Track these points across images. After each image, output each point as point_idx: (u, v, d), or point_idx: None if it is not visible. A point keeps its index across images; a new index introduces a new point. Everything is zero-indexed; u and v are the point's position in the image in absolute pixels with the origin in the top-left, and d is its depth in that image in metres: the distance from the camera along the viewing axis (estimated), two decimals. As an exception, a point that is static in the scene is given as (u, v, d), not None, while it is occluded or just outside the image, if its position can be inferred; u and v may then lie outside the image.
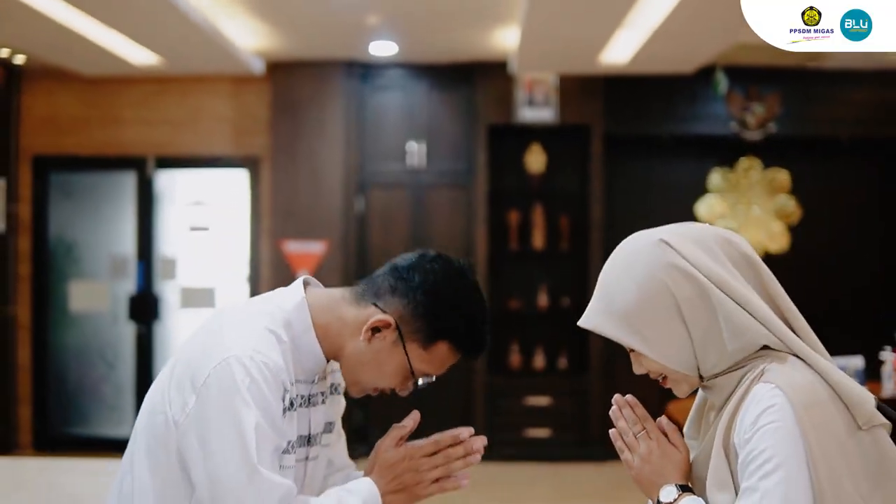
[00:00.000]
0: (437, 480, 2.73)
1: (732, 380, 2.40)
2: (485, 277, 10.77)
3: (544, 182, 11.18)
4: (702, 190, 11.25)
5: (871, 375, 7.70)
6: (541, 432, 10.84)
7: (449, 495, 6.98)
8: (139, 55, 9.67)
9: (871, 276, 11.33)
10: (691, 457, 2.53)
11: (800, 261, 11.11)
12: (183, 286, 11.22)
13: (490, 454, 9.54)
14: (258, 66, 10.46)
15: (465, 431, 2.78)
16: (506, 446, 10.64)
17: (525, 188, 11.22)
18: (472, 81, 10.99)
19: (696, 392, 2.57)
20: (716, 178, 11.24)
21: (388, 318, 2.61)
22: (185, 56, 9.75)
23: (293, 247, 10.58)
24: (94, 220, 11.19)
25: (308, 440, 2.71)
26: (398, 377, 2.70)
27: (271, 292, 2.73)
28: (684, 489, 2.45)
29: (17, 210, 10.69)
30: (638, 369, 2.51)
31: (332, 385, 2.85)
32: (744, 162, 11.22)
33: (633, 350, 2.48)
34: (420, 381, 2.75)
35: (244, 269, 10.96)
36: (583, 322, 2.49)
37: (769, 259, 10.89)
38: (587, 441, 10.59)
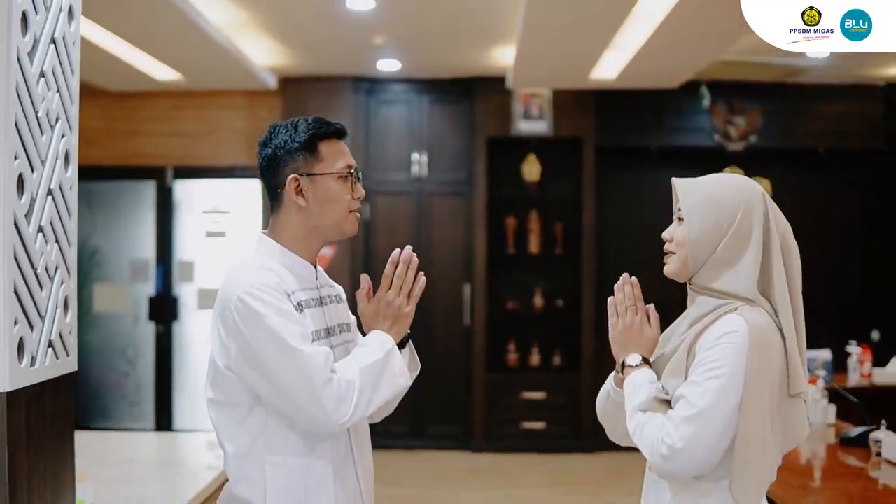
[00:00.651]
0: (408, 295, 3.24)
1: (711, 304, 2.99)
2: (484, 280, 11.28)
3: (540, 190, 11.60)
4: None
5: (838, 367, 8.29)
6: (536, 425, 11.26)
7: (456, 485, 7.80)
8: (163, 72, 10.23)
9: (849, 278, 11.77)
10: (658, 353, 3.11)
11: (779, 264, 11.54)
12: (200, 288, 11.62)
13: (489, 445, 10.19)
14: (271, 81, 11.00)
15: (395, 255, 3.26)
16: (504, 438, 11.18)
17: (522, 196, 11.63)
18: (472, 96, 11.43)
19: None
20: (701, 186, 11.69)
21: (288, 178, 3.20)
22: (205, 72, 10.28)
23: (303, 252, 10.85)
24: (116, 226, 11.58)
25: (328, 332, 3.25)
26: (341, 187, 3.23)
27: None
28: (646, 361, 3.07)
29: (44, 217, 11.18)
30: (670, 231, 3.11)
31: (334, 295, 3.41)
32: (727, 171, 11.59)
33: (681, 218, 3.05)
34: (352, 174, 3.26)
35: (257, 272, 11.37)
36: (679, 181, 3.11)
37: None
38: (579, 433, 11.04)
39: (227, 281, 3.11)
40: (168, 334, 11.68)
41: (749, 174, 11.42)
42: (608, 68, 9.89)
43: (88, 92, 10.96)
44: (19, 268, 2.85)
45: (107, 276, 11.55)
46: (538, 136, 11.44)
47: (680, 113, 11.55)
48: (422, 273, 3.30)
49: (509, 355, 11.61)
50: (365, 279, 3.28)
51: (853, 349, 8.26)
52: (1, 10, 2.76)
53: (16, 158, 2.82)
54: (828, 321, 11.18)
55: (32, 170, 2.94)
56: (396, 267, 3.25)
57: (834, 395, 6.69)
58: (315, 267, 3.33)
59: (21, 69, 2.86)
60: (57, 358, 3.12)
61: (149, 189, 11.73)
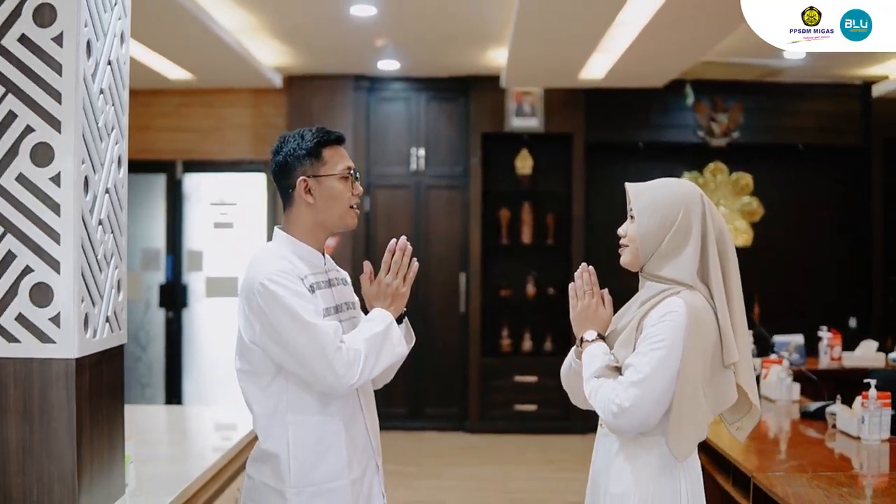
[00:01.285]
0: (404, 278, 3.78)
1: (657, 288, 3.50)
2: (479, 269, 11.71)
3: (532, 183, 12.01)
4: None
5: (811, 351, 8.74)
6: (528, 407, 11.68)
7: (452, 463, 8.33)
8: (175, 72, 10.71)
9: (828, 268, 12.20)
10: (612, 329, 3.63)
11: (762, 254, 12.02)
12: (208, 276, 12.02)
13: (483, 426, 10.65)
14: (277, 80, 11.45)
15: (392, 244, 3.78)
16: (497, 419, 11.64)
17: (515, 189, 12.04)
18: (468, 94, 11.84)
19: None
20: (686, 180, 12.09)
21: (298, 180, 3.69)
22: (214, 72, 10.75)
23: (307, 242, 11.15)
24: (128, 217, 11.71)
25: (336, 309, 3.75)
26: (343, 186, 3.74)
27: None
28: (600, 336, 3.60)
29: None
30: (623, 228, 3.61)
31: (341, 278, 3.92)
32: (711, 166, 12.11)
33: (633, 217, 3.56)
34: (352, 175, 3.76)
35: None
36: (631, 185, 3.63)
37: (735, 252, 11.90)
38: (570, 415, 11.38)
39: (250, 269, 3.63)
40: (178, 320, 12.04)
41: (732, 169, 11.94)
42: (596, 69, 10.31)
43: (103, 90, 11.36)
44: (85, 255, 3.43)
45: (119, 264, 11.88)
46: (530, 132, 11.84)
47: (666, 110, 11.93)
48: (415, 259, 3.82)
49: (503, 341, 11.99)
50: (367, 265, 3.82)
51: (824, 334, 8.64)
52: (71, 40, 3.33)
53: (82, 163, 3.39)
54: (808, 309, 11.70)
55: (94, 172, 3.52)
56: (394, 254, 3.78)
57: (800, 376, 7.19)
58: (323, 254, 3.83)
59: (86, 88, 3.43)
60: (112, 331, 3.70)
61: (159, 182, 12.08)
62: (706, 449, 5.82)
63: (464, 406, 11.88)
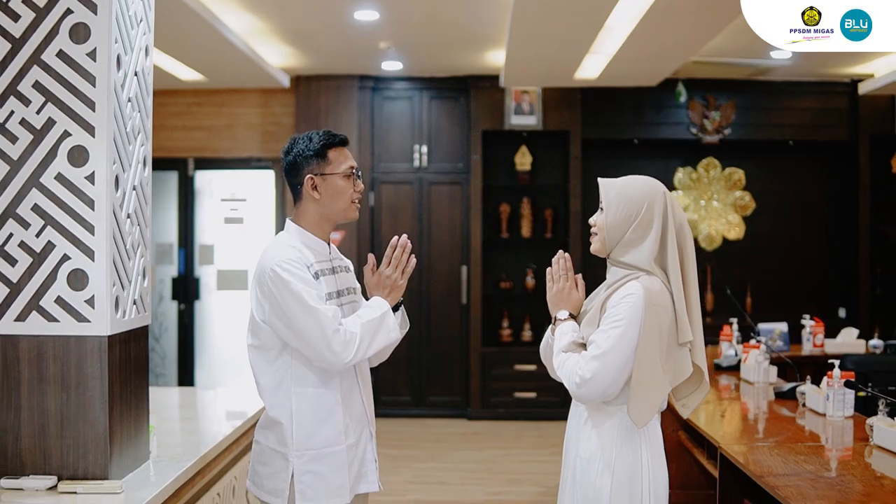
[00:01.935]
0: (402, 272, 4.20)
1: (621, 273, 3.86)
2: (479, 261, 12.03)
3: (531, 179, 12.31)
4: (668, 186, 12.15)
5: (795, 338, 9.08)
6: (528, 394, 11.99)
7: (454, 447, 8.70)
8: (186, 73, 11.09)
9: (817, 260, 12.54)
10: (582, 310, 4.01)
11: (754, 246, 12.44)
12: (219, 270, 12.35)
13: (484, 413, 10.97)
14: (284, 81, 11.80)
15: (394, 241, 4.20)
16: (498, 406, 11.98)
17: (514, 184, 12.34)
18: (468, 93, 12.16)
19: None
20: (680, 175, 12.53)
21: (306, 178, 4.10)
22: (225, 73, 11.10)
23: (314, 235, 11.33)
24: None
25: (339, 294, 4.16)
26: (346, 183, 4.14)
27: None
28: (572, 316, 3.99)
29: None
30: (594, 218, 3.97)
31: (344, 266, 4.33)
32: (704, 162, 12.47)
33: (602, 209, 3.90)
34: (354, 173, 4.16)
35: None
36: (602, 180, 3.98)
37: (728, 245, 12.26)
38: (567, 402, 11.19)
39: (263, 255, 4.05)
40: (190, 312, 12.37)
41: (724, 165, 12.24)
42: (590, 69, 10.67)
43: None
44: (115, 244, 3.88)
45: (133, 258, 12.15)
46: (529, 129, 12.14)
47: (660, 108, 12.22)
48: (413, 256, 4.24)
49: (503, 331, 12.29)
50: (371, 258, 4.24)
51: (807, 322, 8.93)
52: (103, 55, 3.78)
53: (113, 164, 3.84)
54: (798, 299, 12.02)
55: (123, 171, 3.96)
56: (395, 250, 4.20)
57: (777, 361, 7.56)
58: (329, 244, 4.23)
59: (116, 97, 3.87)
60: (138, 312, 4.15)
61: (172, 179, 12.40)
62: (686, 428, 6.24)
63: (465, 393, 12.18)
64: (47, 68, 3.79)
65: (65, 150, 3.79)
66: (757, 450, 5.01)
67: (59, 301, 3.81)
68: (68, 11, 3.78)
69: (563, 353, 3.88)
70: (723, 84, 12.15)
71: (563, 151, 12.28)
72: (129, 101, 4.03)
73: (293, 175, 4.15)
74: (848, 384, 5.67)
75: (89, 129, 3.79)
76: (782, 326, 8.87)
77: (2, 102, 3.78)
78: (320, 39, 10.18)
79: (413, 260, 4.23)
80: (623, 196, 3.89)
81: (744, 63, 11.17)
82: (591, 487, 3.85)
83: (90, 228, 3.80)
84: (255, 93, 12.31)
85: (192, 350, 12.44)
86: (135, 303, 4.11)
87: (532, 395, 11.99)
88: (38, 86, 3.78)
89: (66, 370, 3.82)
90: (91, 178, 3.80)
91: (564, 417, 3.73)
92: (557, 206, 12.36)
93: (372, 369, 4.42)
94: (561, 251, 4.19)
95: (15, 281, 3.80)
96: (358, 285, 4.41)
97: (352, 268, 4.44)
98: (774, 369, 7.30)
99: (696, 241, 12.34)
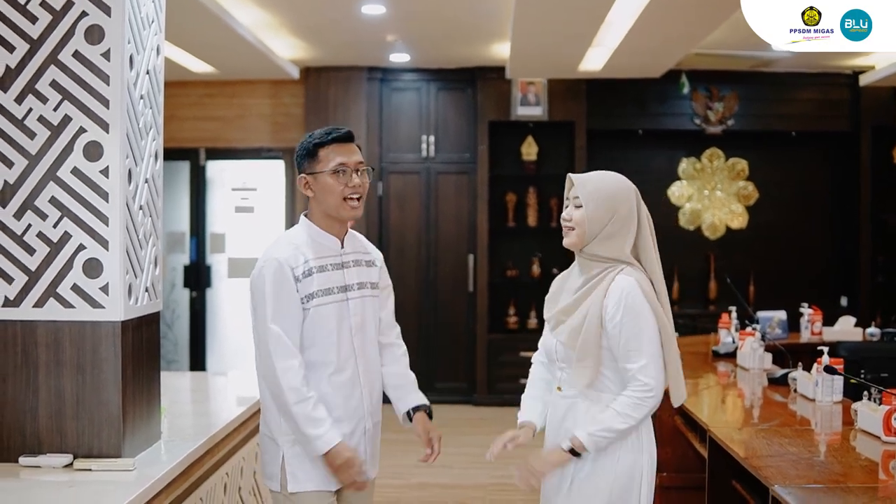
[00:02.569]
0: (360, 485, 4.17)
1: (599, 267, 3.91)
2: (486, 250, 12.17)
3: (537, 169, 12.45)
4: (673, 176, 12.64)
5: (794, 327, 9.22)
6: None
7: (461, 432, 8.70)
8: (198, 65, 11.26)
9: (816, 247, 12.70)
10: (560, 307, 4.00)
11: (757, 235, 12.59)
12: (230, 258, 12.54)
13: (490, 398, 11.07)
14: (294, 72, 11.97)
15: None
16: (504, 392, 12.08)
17: (520, 174, 12.48)
18: (475, 84, 12.30)
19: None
20: (684, 166, 12.66)
21: (299, 177, 4.16)
22: (235, 65, 11.26)
23: (324, 224, 11.44)
24: None
25: (344, 288, 4.13)
26: (335, 181, 4.08)
27: None
28: (573, 451, 3.87)
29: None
30: (569, 213, 3.93)
31: (365, 260, 4.28)
32: (708, 152, 12.62)
33: (578, 205, 3.90)
34: (343, 169, 4.08)
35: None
36: (575, 175, 3.99)
37: (731, 234, 12.40)
38: None
39: (266, 248, 4.16)
40: (201, 300, 12.55)
41: (728, 155, 12.37)
42: (594, 61, 10.80)
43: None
44: (128, 235, 4.08)
45: (146, 247, 12.29)
46: (535, 119, 12.27)
47: (663, 99, 12.35)
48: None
49: (509, 318, 12.43)
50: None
51: (805, 310, 9.05)
52: (116, 55, 3.98)
53: (126, 158, 4.04)
54: (800, 288, 12.14)
55: (136, 165, 4.16)
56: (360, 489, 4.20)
57: (771, 348, 7.71)
58: (342, 239, 4.21)
59: (129, 95, 4.07)
60: (150, 299, 4.35)
61: (184, 169, 12.57)
62: (681, 413, 6.41)
63: (471, 380, 12.34)
64: (63, 68, 3.98)
65: (80, 145, 3.98)
66: (744, 433, 5.20)
67: (75, 288, 4.00)
68: (83, 14, 3.97)
69: (614, 428, 3.84)
70: (725, 75, 12.24)
71: (569, 142, 12.39)
72: (142, 98, 4.23)
73: (298, 174, 4.22)
74: (827, 369, 5.81)
75: (104, 126, 3.98)
76: (781, 314, 8.96)
77: (20, 100, 3.97)
78: (328, 33, 10.34)
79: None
80: (602, 191, 3.91)
81: (746, 55, 11.28)
82: (595, 483, 3.92)
83: (104, 220, 3.99)
84: (265, 84, 12.43)
85: (203, 337, 12.61)
86: (147, 290, 4.30)
87: (537, 381, 11.96)
88: (54, 84, 3.98)
89: (82, 354, 4.01)
90: (105, 171, 3.99)
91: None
92: (563, 196, 12.14)
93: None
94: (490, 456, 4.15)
95: (33, 269, 4.00)
96: (377, 280, 4.36)
97: (379, 262, 4.40)
98: (769, 356, 7.44)
99: (699, 230, 12.58)
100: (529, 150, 12.45)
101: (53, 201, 3.98)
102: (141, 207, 4.22)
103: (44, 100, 3.98)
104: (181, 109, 12.39)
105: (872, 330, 8.91)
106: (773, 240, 12.65)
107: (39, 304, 4.00)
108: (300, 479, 4.09)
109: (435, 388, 12.18)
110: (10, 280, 4.01)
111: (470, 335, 12.38)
